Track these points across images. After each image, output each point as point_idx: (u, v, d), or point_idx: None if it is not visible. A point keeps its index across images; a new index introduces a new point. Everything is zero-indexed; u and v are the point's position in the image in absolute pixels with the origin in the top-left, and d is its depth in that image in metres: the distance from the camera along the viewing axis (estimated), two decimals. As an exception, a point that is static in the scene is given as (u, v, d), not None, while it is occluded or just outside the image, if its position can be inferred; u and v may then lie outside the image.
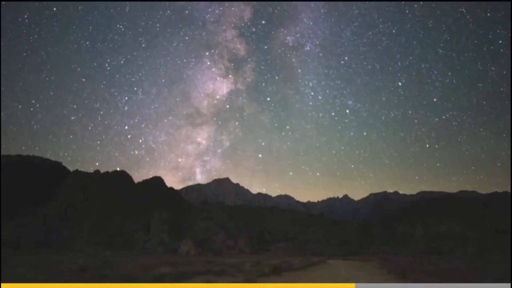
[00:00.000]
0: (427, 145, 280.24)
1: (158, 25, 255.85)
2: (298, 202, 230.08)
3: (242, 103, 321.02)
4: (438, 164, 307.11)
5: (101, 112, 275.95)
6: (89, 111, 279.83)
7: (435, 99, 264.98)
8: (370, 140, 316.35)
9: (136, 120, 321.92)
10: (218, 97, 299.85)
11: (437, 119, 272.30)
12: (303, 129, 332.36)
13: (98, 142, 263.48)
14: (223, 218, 75.13)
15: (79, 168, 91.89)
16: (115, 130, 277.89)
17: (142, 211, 70.55)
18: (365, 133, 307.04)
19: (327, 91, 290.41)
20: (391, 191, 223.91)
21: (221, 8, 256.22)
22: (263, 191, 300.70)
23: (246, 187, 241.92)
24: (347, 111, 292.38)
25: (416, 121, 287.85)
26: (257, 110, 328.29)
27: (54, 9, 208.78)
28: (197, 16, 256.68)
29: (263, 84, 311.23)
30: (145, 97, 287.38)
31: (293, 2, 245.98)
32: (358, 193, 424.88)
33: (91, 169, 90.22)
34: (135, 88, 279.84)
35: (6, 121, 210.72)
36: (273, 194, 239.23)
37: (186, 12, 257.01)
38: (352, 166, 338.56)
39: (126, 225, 66.66)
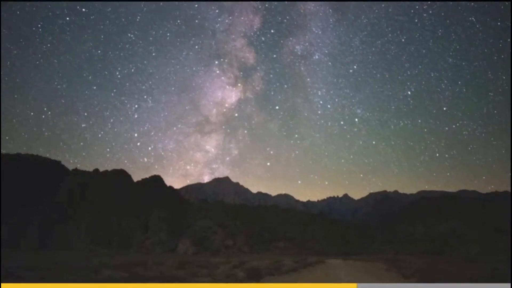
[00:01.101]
0: (437, 154, 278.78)
1: (168, 34, 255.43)
2: (298, 201, 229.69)
3: (250, 112, 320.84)
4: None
5: (111, 120, 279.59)
6: (99, 118, 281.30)
7: (444, 108, 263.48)
8: (379, 149, 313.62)
9: (145, 128, 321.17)
10: (227, 105, 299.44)
11: (447, 128, 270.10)
12: (312, 137, 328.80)
13: (108, 149, 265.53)
14: (222, 217, 74.67)
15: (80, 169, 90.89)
16: (124, 138, 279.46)
17: (140, 210, 70.08)
18: (374, 142, 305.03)
19: (336, 100, 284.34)
20: (391, 190, 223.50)
21: (230, 18, 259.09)
22: (263, 190, 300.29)
23: (246, 186, 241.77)
24: (356, 120, 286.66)
25: (425, 130, 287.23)
26: (265, 118, 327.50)
27: (67, 18, 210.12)
28: (207, 26, 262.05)
29: (272, 93, 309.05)
30: (155, 105, 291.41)
31: (302, 12, 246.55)
32: (358, 193, 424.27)
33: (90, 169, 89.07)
34: (145, 96, 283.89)
35: (18, 128, 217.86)
36: (273, 193, 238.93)
37: (196, 21, 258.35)
38: (361, 175, 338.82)
39: (124, 224, 66.21)
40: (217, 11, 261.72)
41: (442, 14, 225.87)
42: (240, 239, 65.33)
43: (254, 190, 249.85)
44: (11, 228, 60.47)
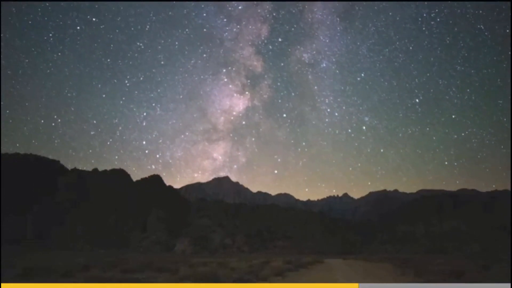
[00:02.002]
0: (446, 163, 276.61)
1: (176, 43, 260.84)
2: (298, 200, 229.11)
3: (258, 120, 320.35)
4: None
5: (120, 128, 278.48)
6: (108, 126, 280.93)
7: (453, 116, 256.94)
8: (387, 157, 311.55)
9: (153, 136, 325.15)
10: (234, 113, 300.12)
11: (455, 136, 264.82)
12: (319, 145, 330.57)
13: (116, 157, 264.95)
14: (221, 216, 74.12)
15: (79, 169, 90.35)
16: (133, 146, 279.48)
17: (139, 210, 69.53)
18: (382, 150, 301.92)
19: (344, 107, 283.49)
20: (391, 189, 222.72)
21: (238, 27, 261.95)
22: (263, 190, 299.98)
23: (246, 186, 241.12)
24: (364, 127, 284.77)
25: (434, 138, 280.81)
26: (273, 126, 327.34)
27: (78, 28, 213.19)
28: (215, 34, 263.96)
29: (279, 101, 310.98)
30: (163, 113, 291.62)
31: (310, 20, 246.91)
32: (358, 192, 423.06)
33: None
34: (154, 104, 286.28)
35: (28, 135, 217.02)
36: (273, 192, 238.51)
37: (204, 30, 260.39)
38: (369, 183, 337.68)
39: (122, 224, 65.64)
40: (225, 20, 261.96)
41: (450, 22, 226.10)
42: (239, 239, 64.76)
43: (254, 189, 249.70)
44: (9, 228, 60.00)
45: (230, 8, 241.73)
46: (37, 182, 72.07)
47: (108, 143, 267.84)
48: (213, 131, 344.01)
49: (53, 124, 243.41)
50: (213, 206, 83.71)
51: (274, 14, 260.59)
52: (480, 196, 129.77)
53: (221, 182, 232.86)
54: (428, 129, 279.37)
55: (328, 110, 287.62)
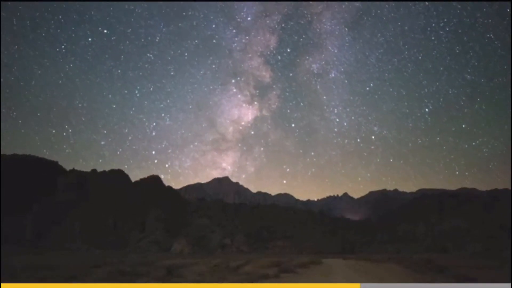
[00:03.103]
0: (457, 172, 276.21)
1: (186, 54, 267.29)
2: (298, 200, 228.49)
3: (267, 129, 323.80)
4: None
5: (130, 137, 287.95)
6: (118, 136, 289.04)
7: (464, 125, 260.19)
8: (396, 167, 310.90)
9: (163, 146, 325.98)
10: (243, 123, 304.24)
11: (466, 146, 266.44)
12: (328, 155, 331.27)
13: (126, 167, 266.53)
14: (220, 216, 73.52)
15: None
16: (142, 155, 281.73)
17: (137, 210, 68.94)
18: (391, 160, 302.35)
19: (353, 117, 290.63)
20: (390, 189, 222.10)
21: (247, 37, 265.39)
22: (263, 190, 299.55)
23: (246, 186, 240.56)
24: (373, 137, 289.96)
25: (444, 147, 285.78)
26: (281, 136, 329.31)
27: (89, 39, 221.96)
28: (224, 45, 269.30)
29: (288, 111, 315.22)
30: (172, 123, 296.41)
31: (318, 31, 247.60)
32: (358, 191, 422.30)
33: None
34: (163, 114, 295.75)
35: (40, 145, 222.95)
36: (273, 192, 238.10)
37: (214, 41, 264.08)
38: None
39: (120, 224, 65.03)
40: (234, 31, 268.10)
41: (459, 31, 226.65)
42: (238, 238, 64.16)
43: (254, 189, 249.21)
44: (8, 229, 59.46)
45: (239, 20, 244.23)
46: (38, 182, 71.68)
47: (118, 152, 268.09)
48: (222, 141, 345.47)
49: (64, 134, 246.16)
50: (212, 206, 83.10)
51: (282, 25, 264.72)
52: (481, 195, 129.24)
53: (221, 182, 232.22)
54: (438, 138, 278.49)
55: (337, 120, 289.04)
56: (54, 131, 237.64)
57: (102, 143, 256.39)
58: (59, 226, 63.31)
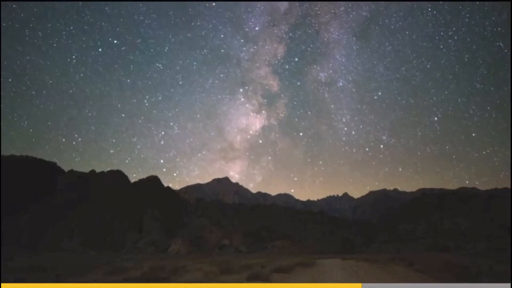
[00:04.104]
0: (467, 181, 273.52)
1: (195, 63, 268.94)
2: (297, 200, 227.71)
3: (274, 138, 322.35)
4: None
5: (138, 146, 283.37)
6: (126, 145, 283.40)
7: (473, 134, 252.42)
8: (405, 177, 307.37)
9: (171, 154, 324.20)
10: (251, 132, 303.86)
11: (476, 155, 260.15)
12: (336, 164, 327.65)
13: (134, 175, 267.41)
14: (219, 216, 72.77)
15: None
16: (150, 164, 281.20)
17: (136, 211, 68.18)
18: (400, 169, 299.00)
19: (361, 126, 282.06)
20: (390, 188, 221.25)
21: (255, 47, 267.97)
22: (263, 190, 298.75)
23: (245, 186, 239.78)
24: (381, 146, 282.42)
25: (454, 156, 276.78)
26: (289, 145, 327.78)
27: (100, 50, 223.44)
28: (232, 55, 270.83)
29: (296, 120, 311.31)
30: (181, 132, 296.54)
31: (326, 40, 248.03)
32: (357, 191, 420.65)
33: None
34: (171, 123, 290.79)
35: (50, 153, 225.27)
36: (273, 192, 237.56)
37: (222, 50, 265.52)
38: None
39: (118, 225, 64.26)
40: (242, 40, 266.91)
41: (468, 39, 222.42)
42: (237, 238, 63.41)
43: (254, 190, 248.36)
44: (5, 229, 58.80)
45: (247, 29, 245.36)
46: (33, 183, 71.00)
47: (127, 161, 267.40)
48: (230, 150, 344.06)
49: (74, 142, 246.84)
50: (211, 206, 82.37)
51: (290, 34, 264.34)
52: (481, 194, 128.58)
53: (221, 183, 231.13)
54: (447, 147, 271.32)
55: (345, 128, 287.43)
56: (64, 139, 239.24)
57: (111, 151, 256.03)
58: (56, 227, 62.60)
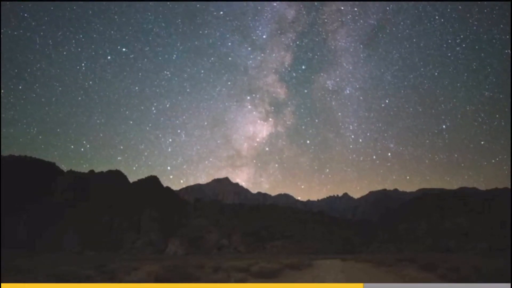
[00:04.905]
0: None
1: (202, 71, 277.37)
2: (297, 200, 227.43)
3: (281, 146, 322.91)
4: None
5: (146, 153, 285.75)
6: (134, 152, 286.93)
7: (482, 142, 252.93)
8: (413, 185, 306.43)
9: (178, 161, 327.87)
10: (258, 139, 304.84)
11: (485, 163, 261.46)
12: (344, 172, 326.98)
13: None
14: (218, 216, 72.37)
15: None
16: (157, 171, 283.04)
17: (133, 211, 67.82)
18: (408, 177, 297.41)
19: (368, 134, 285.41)
20: (390, 188, 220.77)
21: (262, 55, 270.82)
22: (263, 190, 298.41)
23: (245, 186, 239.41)
24: (389, 154, 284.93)
25: (463, 165, 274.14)
26: (296, 152, 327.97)
27: (108, 57, 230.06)
28: (239, 62, 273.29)
29: (303, 127, 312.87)
30: (188, 139, 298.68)
31: (333, 48, 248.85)
32: (357, 191, 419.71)
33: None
34: (179, 131, 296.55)
35: (59, 160, 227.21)
36: (273, 193, 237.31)
37: (229, 58, 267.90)
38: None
39: (116, 225, 63.90)
40: (249, 48, 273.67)
41: (476, 47, 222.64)
42: (236, 238, 63.02)
43: (254, 190, 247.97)
44: (3, 230, 58.49)
45: (254, 37, 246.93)
46: (32, 183, 70.66)
47: (134, 168, 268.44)
48: (237, 157, 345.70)
49: (82, 149, 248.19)
50: (210, 206, 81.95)
51: (297, 42, 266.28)
52: (481, 194, 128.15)
53: (221, 183, 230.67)
54: (456, 155, 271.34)
55: (352, 136, 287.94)
56: (72, 146, 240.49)
57: (119, 158, 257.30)
58: (55, 227, 62.26)
